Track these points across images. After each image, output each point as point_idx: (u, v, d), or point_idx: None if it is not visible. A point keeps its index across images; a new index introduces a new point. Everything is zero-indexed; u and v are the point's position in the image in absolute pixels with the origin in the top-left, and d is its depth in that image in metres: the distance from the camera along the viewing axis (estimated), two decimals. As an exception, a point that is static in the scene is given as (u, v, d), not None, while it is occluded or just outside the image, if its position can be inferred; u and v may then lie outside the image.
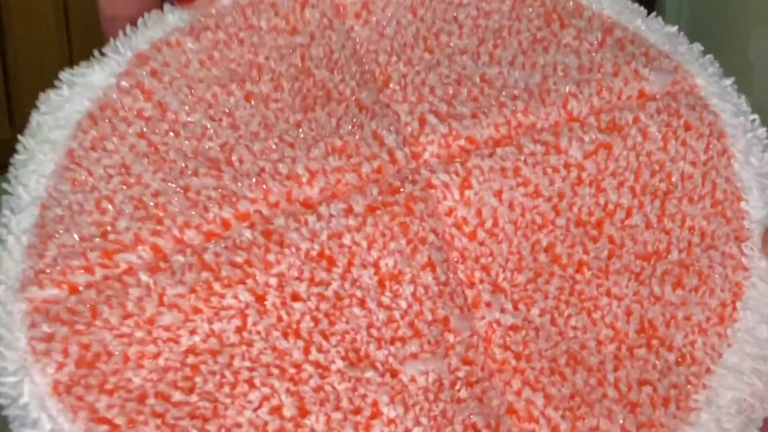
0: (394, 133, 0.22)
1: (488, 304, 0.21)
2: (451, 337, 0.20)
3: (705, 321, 0.22)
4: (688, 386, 0.21)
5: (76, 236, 0.20)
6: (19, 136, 0.23)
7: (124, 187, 0.21)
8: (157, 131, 0.22)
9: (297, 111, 0.23)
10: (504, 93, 0.23)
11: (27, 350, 0.19)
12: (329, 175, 0.21)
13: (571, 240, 0.22)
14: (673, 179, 0.23)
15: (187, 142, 0.22)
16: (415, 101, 0.23)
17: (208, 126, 0.22)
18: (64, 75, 0.23)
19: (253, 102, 0.23)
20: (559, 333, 0.21)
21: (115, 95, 0.23)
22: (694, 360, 0.21)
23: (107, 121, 0.23)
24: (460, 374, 0.20)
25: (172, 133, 0.22)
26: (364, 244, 0.21)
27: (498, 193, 0.22)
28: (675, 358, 0.21)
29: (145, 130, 0.22)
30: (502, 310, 0.21)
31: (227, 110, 0.23)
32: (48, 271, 0.20)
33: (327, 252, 0.20)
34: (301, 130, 0.22)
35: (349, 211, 0.21)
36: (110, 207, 0.21)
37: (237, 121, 0.23)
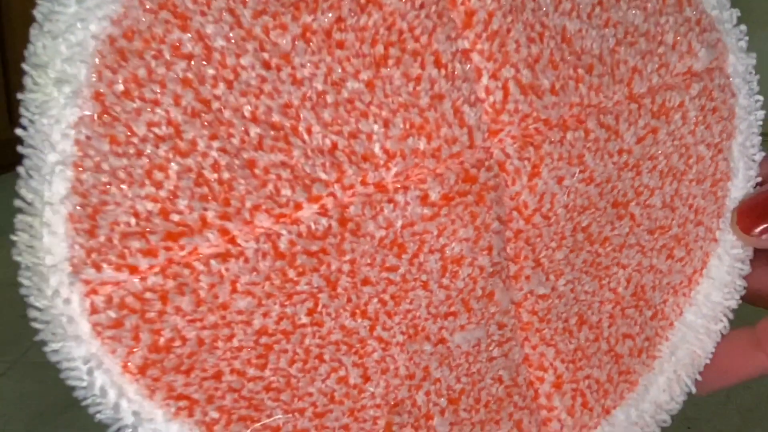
0: (475, 104, 0.21)
1: (528, 278, 0.23)
2: (493, 308, 0.23)
3: (679, 284, 0.26)
4: (656, 338, 0.26)
5: (132, 214, 0.18)
6: (26, 66, 0.18)
7: (178, 155, 0.18)
8: (204, 79, 0.19)
9: (368, 64, 0.20)
10: (581, 60, 0.22)
11: (92, 335, 0.18)
12: (407, 158, 0.20)
13: (605, 219, 0.24)
14: (690, 161, 0.25)
15: (243, 99, 0.19)
16: (501, 60, 0.21)
17: (267, 77, 0.19)
18: None
19: (313, 43, 0.20)
20: (574, 298, 0.24)
21: (140, 16, 0.18)
22: (663, 315, 0.26)
23: (138, 57, 0.18)
24: (495, 337, 0.23)
25: (223, 84, 0.19)
26: (435, 232, 0.21)
27: (560, 180, 0.22)
28: (651, 314, 0.26)
29: (189, 75, 0.18)
30: (539, 281, 0.23)
31: (284, 54, 0.19)
32: (103, 251, 0.18)
33: (399, 240, 0.20)
34: (375, 95, 0.20)
35: (424, 199, 0.20)
36: (165, 180, 0.18)
37: (298, 72, 0.19)
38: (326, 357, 0.21)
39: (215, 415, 0.20)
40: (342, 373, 0.21)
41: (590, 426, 0.25)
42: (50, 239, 0.18)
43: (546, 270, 0.23)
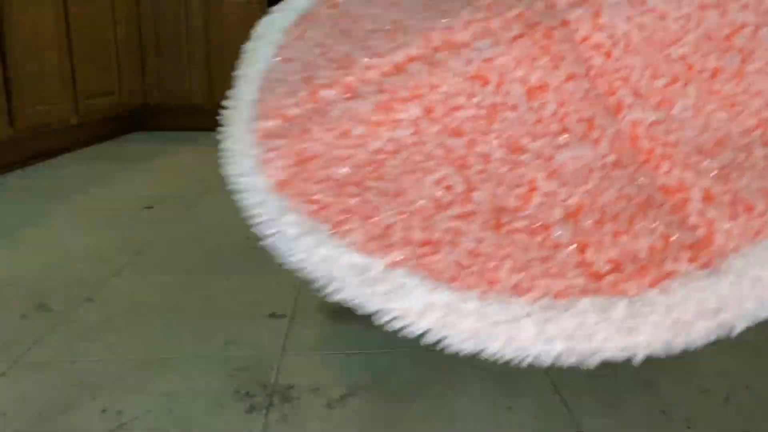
0: None
1: (630, 106, 0.24)
2: (597, 132, 0.23)
3: None
4: None
5: (287, 86, 0.27)
6: (253, 34, 0.31)
7: (322, 54, 0.28)
8: (341, 20, 0.29)
9: None
10: None
11: (258, 159, 0.25)
12: (479, 22, 0.26)
13: (703, 51, 0.24)
14: None
15: (367, 22, 0.28)
16: None
17: (381, 14, 0.29)
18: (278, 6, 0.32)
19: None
20: (703, 125, 0.23)
21: (313, 8, 0.30)
22: None
23: (310, 21, 0.30)
24: (609, 159, 0.23)
25: (352, 20, 0.29)
26: (512, 64, 0.25)
27: (629, 18, 0.25)
28: None
29: (334, 21, 0.29)
30: (643, 109, 0.24)
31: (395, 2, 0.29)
32: (269, 108, 0.26)
33: (481, 72, 0.25)
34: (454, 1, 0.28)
35: (496, 43, 0.25)
36: (312, 66, 0.27)
37: (404, 6, 0.29)
38: (431, 166, 0.23)
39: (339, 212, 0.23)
40: (447, 182, 0.23)
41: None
42: (241, 106, 0.27)
43: (650, 98, 0.24)
